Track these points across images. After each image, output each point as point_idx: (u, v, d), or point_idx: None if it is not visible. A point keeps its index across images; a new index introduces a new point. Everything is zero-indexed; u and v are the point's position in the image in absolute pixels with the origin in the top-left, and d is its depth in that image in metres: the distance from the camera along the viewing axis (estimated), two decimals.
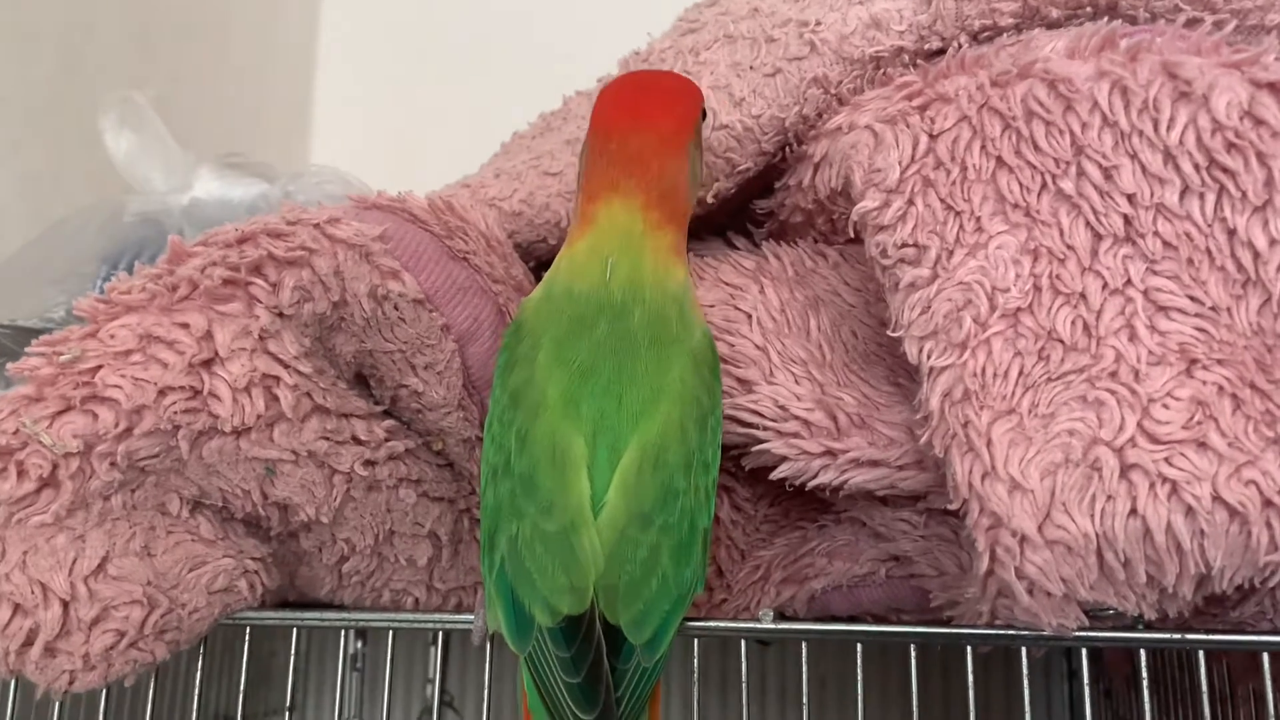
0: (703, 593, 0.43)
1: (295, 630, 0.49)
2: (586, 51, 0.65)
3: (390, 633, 0.50)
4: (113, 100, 0.72)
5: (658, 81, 0.49)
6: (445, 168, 0.68)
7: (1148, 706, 0.45)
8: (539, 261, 0.58)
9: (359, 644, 0.65)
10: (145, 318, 0.43)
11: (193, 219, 0.64)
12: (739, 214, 0.58)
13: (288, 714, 0.50)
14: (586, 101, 0.61)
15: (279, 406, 0.44)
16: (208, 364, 0.43)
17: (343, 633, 0.69)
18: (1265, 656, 0.43)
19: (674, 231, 0.46)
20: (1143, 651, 0.45)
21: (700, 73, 0.53)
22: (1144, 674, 0.45)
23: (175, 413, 0.42)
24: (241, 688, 0.48)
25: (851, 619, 0.54)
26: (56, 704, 0.46)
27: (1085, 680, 0.47)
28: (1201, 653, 0.44)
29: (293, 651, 0.50)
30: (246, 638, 0.48)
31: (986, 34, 0.48)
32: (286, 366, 0.44)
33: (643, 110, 0.46)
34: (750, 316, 0.49)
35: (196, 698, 0.48)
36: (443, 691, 0.73)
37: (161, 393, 0.42)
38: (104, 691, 0.46)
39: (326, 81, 1.12)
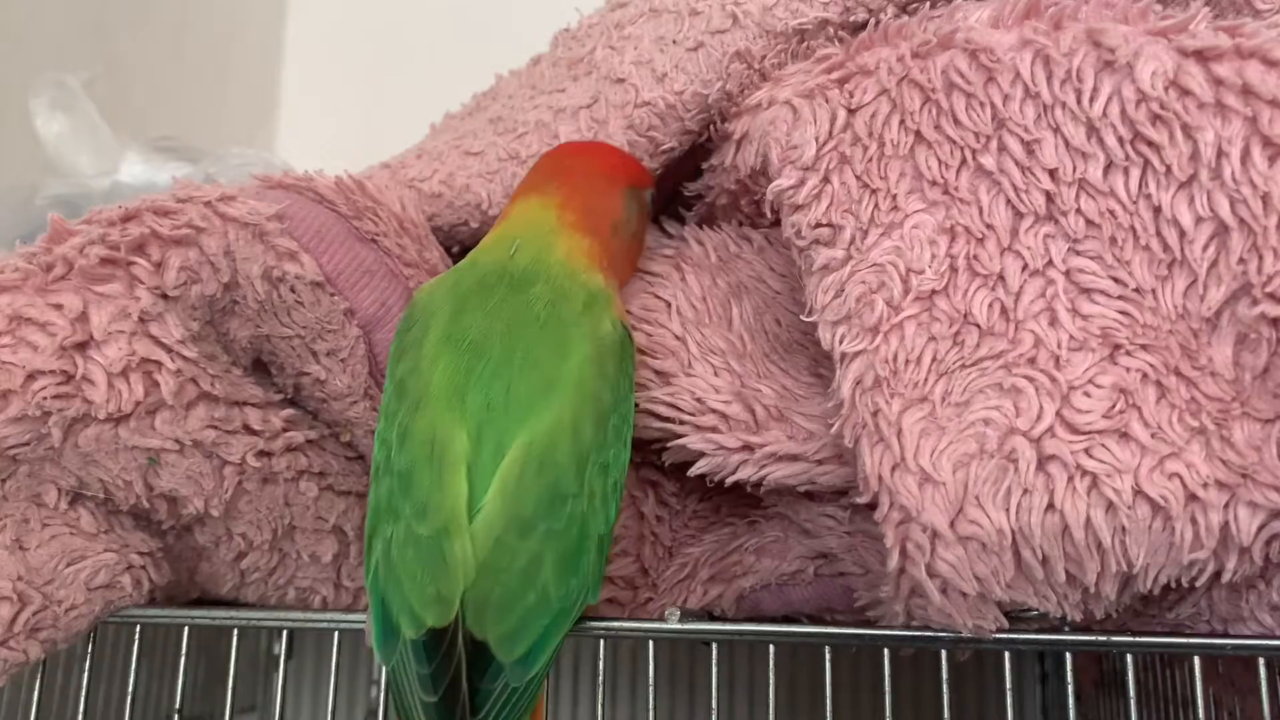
0: (595, 601, 0.40)
1: (259, 629, 0.47)
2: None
3: (331, 632, 0.47)
4: (45, 82, 0.70)
5: (602, 145, 0.50)
6: None
7: (1134, 712, 0.42)
8: (463, 247, 0.56)
9: (281, 644, 0.62)
10: (17, 298, 0.40)
11: (113, 202, 0.62)
12: (672, 199, 0.56)
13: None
14: (515, 81, 0.58)
15: (160, 393, 0.41)
16: (81, 347, 0.40)
17: (266, 634, 0.67)
18: (1196, 660, 0.40)
19: (594, 242, 0.44)
20: (1128, 656, 0.42)
21: (624, 47, 0.51)
22: (1130, 677, 0.42)
23: (45, 398, 0.40)
24: (175, 686, 0.46)
25: (787, 619, 0.51)
26: None
27: (1069, 684, 0.44)
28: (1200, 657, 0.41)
29: (260, 650, 0.48)
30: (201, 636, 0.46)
31: (914, 4, 0.46)
32: (169, 351, 0.42)
33: (586, 147, 0.49)
34: (670, 305, 0.47)
35: (130, 695, 0.46)
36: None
37: (30, 377, 0.39)
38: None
39: (294, 68, 1.09)
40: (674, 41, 0.49)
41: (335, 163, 0.68)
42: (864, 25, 0.46)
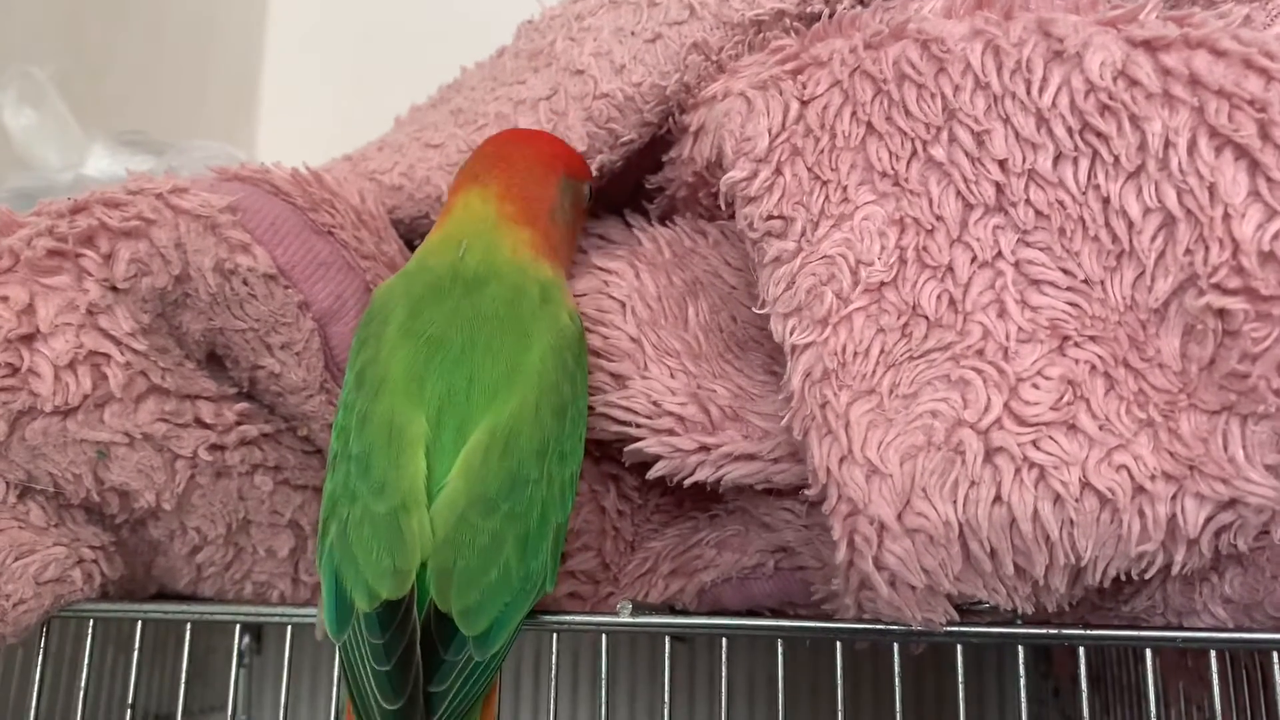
0: (551, 590, 0.40)
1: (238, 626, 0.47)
2: None
3: (288, 629, 0.47)
4: (11, 75, 0.70)
5: (542, 134, 0.50)
6: None
7: (1085, 706, 0.42)
8: (424, 239, 0.55)
9: (245, 639, 0.62)
10: None
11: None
12: (636, 191, 0.56)
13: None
14: (479, 72, 0.58)
15: (108, 386, 0.41)
16: (28, 339, 0.40)
17: (243, 628, 0.67)
18: (1148, 653, 0.40)
19: (534, 233, 0.45)
20: (1081, 650, 0.42)
21: (584, 39, 0.50)
22: (1082, 671, 0.42)
23: None
24: (131, 682, 0.45)
25: (751, 614, 0.51)
26: None
27: (1021, 678, 0.44)
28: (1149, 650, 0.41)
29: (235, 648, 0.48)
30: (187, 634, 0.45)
31: None
32: (118, 343, 0.41)
33: (525, 134, 0.49)
34: (624, 305, 0.47)
35: (83, 689, 0.45)
36: None
37: None
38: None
39: (274, 61, 1.09)
40: (632, 33, 0.48)
41: (315, 157, 0.68)
42: (820, 16, 0.46)
